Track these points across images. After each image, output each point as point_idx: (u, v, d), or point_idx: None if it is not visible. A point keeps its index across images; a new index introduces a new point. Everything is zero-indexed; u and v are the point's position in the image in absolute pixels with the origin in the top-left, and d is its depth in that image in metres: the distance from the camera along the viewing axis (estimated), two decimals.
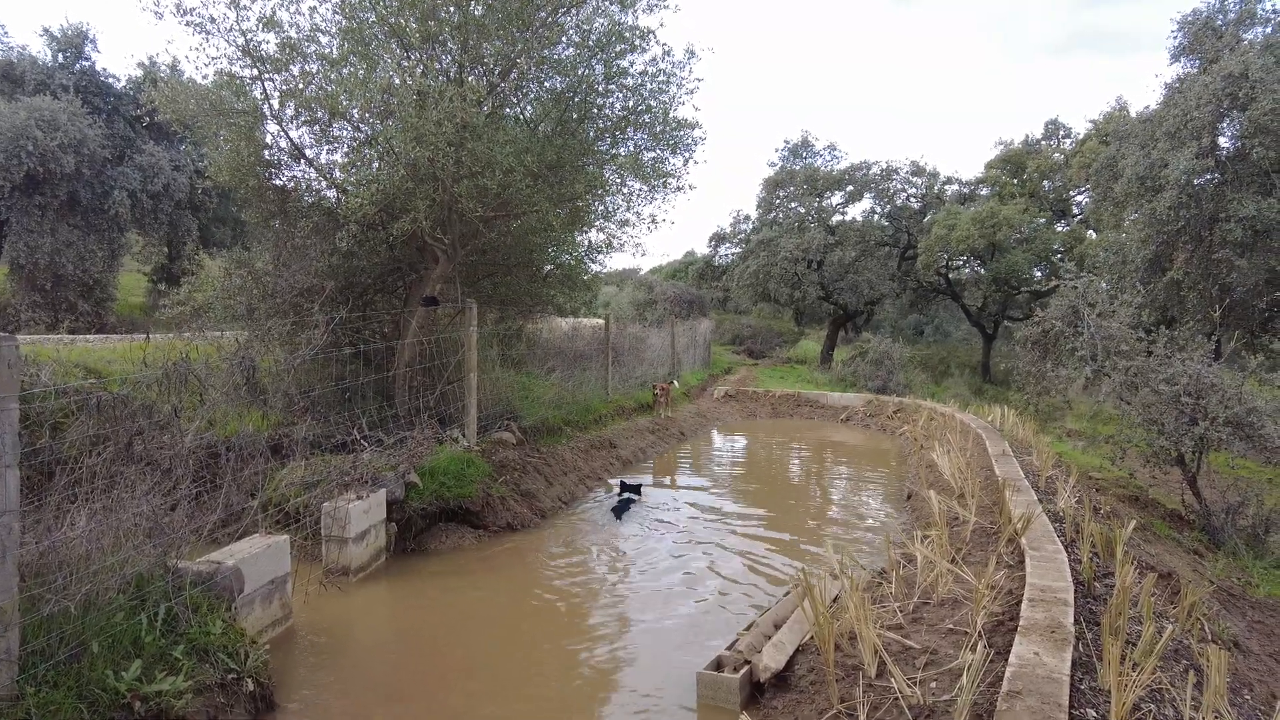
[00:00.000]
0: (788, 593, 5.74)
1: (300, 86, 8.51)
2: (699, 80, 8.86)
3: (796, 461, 12.80)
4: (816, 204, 28.38)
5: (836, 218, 28.69)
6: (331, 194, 9.65)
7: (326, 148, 9.52)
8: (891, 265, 28.95)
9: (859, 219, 29.09)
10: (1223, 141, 13.97)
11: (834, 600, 5.09)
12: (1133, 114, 21.37)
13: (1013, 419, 12.15)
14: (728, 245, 32.38)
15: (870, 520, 8.82)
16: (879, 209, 29.36)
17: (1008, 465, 8.55)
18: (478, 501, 7.77)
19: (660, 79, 8.88)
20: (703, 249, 37.46)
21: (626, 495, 9.67)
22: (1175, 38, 15.76)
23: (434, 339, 9.14)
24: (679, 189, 9.35)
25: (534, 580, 6.85)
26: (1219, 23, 15.04)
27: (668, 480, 10.73)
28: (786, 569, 7.04)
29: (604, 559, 7.36)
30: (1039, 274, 26.78)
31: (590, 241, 13.04)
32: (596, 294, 32.45)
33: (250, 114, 8.57)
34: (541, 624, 5.91)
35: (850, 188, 28.56)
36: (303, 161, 9.31)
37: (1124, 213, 16.53)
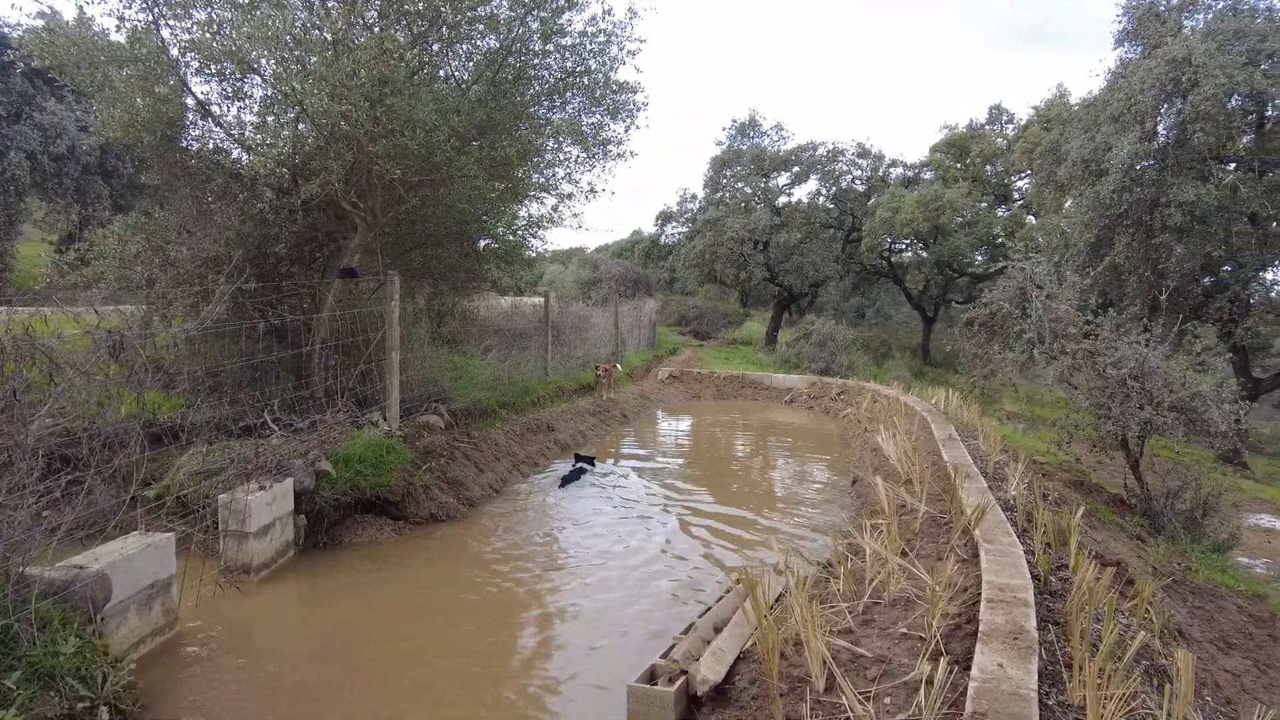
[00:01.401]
0: (730, 589, 5.36)
1: (205, 35, 7.69)
2: (641, 41, 8.33)
3: (741, 445, 12.49)
4: (763, 184, 28.08)
5: (783, 199, 28.46)
6: (243, 156, 8.86)
7: (237, 104, 8.71)
8: (836, 248, 28.88)
9: (805, 200, 28.93)
10: (1162, 128, 14.05)
11: (778, 599, 4.71)
12: (1073, 102, 21.58)
13: (956, 402, 12.03)
14: (674, 224, 31.91)
15: (816, 506, 8.53)
16: (824, 191, 29.24)
17: (955, 450, 8.33)
18: (397, 491, 7.20)
19: (600, 39, 8.33)
20: (649, 228, 36.92)
21: (579, 465, 9.68)
22: (1119, 22, 15.81)
23: (354, 314, 8.47)
24: (619, 156, 8.83)
25: (458, 576, 6.34)
26: (1162, 8, 15.10)
27: (610, 464, 10.27)
28: (731, 559, 6.67)
29: (536, 551, 6.87)
30: (980, 257, 27.05)
31: (530, 215, 12.50)
32: (541, 272, 31.70)
33: (147, 63, 7.71)
34: (464, 625, 5.41)
35: (796, 169, 28.33)
36: (209, 119, 8.48)
37: (1066, 197, 16.61)
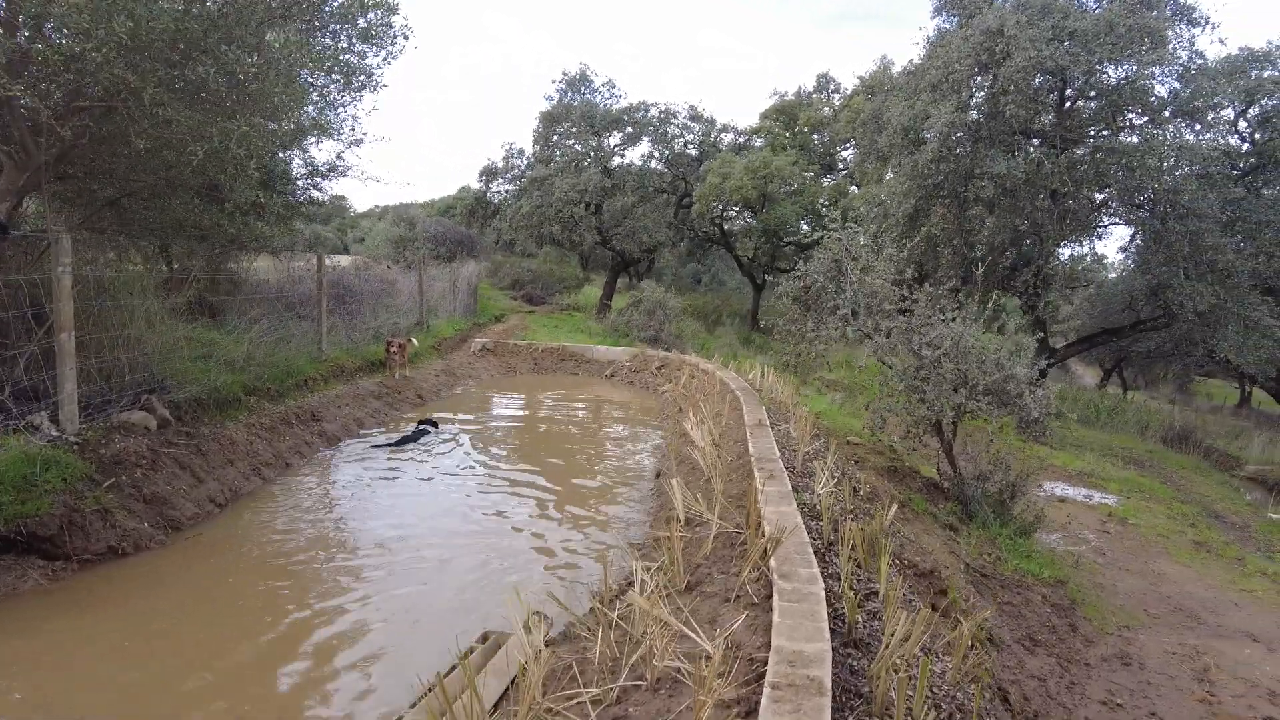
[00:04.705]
0: (470, 651, 4.13)
1: None
2: None
3: (547, 429, 11.27)
4: (595, 144, 26.74)
5: (615, 160, 27.28)
6: None
7: None
8: (669, 213, 28.16)
9: (637, 163, 27.91)
10: (976, 100, 14.04)
11: (520, 674, 3.53)
12: (895, 73, 21.80)
13: (772, 378, 11.42)
14: (500, 181, 29.93)
15: (611, 514, 7.46)
16: (657, 154, 28.34)
17: (763, 440, 7.51)
18: (53, 521, 5.39)
19: None
20: (476, 184, 34.57)
21: (422, 427, 9.69)
22: None
23: (10, 282, 6.39)
24: (368, 86, 7.18)
25: (125, 637, 4.70)
26: None
27: (379, 469, 8.69)
28: (486, 596, 5.44)
29: (263, 589, 5.33)
30: (805, 226, 27.22)
31: (314, 165, 10.67)
32: (366, 231, 28.83)
33: None
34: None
35: (629, 129, 27.18)
36: None
37: (887, 168, 16.51)
